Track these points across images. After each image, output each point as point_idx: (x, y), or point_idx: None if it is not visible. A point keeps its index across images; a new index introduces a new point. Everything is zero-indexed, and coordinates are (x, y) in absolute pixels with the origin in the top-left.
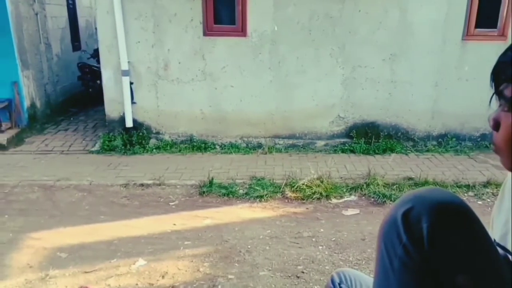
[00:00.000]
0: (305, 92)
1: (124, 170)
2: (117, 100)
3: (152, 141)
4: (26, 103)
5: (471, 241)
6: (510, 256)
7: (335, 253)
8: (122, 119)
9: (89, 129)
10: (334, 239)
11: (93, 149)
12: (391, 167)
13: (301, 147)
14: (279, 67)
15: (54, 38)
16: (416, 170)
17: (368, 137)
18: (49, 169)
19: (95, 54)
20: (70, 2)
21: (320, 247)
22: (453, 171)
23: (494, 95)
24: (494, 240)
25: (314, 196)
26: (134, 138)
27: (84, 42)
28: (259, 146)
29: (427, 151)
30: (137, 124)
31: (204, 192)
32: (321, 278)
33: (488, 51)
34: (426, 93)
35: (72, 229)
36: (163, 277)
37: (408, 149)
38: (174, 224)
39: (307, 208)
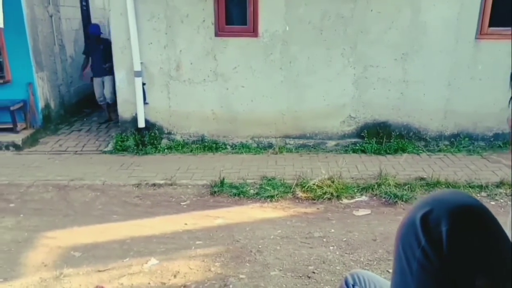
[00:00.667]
0: (316, 92)
1: (136, 170)
2: (130, 100)
3: (164, 141)
4: (41, 104)
5: (491, 244)
6: None
7: (346, 253)
8: (135, 120)
9: (102, 130)
10: (345, 239)
11: (106, 149)
12: (402, 167)
13: (312, 147)
14: (290, 67)
15: (68, 39)
16: (428, 170)
17: (379, 137)
18: (63, 169)
19: None
20: (84, 4)
21: (331, 248)
22: (465, 171)
23: None
24: None
25: (325, 196)
26: (146, 138)
27: None
28: (270, 146)
29: (439, 151)
30: (149, 125)
31: (215, 192)
32: (332, 279)
33: (503, 51)
34: (439, 93)
35: (85, 228)
36: (175, 276)
37: (420, 149)
38: (186, 224)
39: (318, 208)
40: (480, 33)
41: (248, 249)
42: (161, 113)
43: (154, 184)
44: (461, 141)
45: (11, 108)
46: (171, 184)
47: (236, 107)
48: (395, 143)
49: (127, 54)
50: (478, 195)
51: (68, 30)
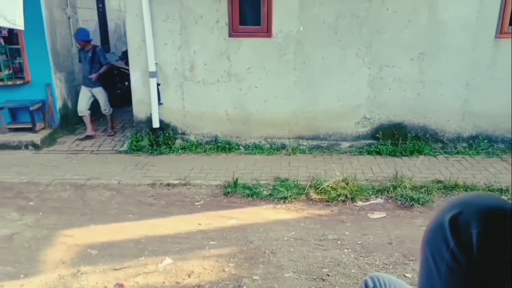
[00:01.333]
0: (330, 93)
1: (151, 170)
2: (145, 101)
3: (178, 142)
4: (58, 104)
5: None
6: None
7: (361, 256)
8: (149, 120)
9: (118, 130)
10: (360, 242)
11: (121, 149)
12: (419, 169)
13: (326, 148)
14: (304, 68)
15: None
16: (445, 172)
17: (394, 138)
18: (80, 168)
19: (124, 56)
20: (100, 6)
21: (345, 250)
22: (484, 174)
23: None
24: None
25: (339, 198)
26: (160, 138)
27: (113, 45)
28: (283, 147)
29: (457, 153)
30: (163, 125)
31: (228, 192)
32: (347, 282)
33: None
34: (457, 93)
35: (102, 227)
36: (189, 276)
37: (437, 151)
38: (200, 224)
39: (332, 211)
40: (500, 32)
41: (262, 250)
42: (175, 113)
43: (168, 184)
44: (480, 143)
45: (31, 108)
46: (185, 184)
47: (250, 108)
48: (411, 144)
49: (142, 55)
50: None
51: None
